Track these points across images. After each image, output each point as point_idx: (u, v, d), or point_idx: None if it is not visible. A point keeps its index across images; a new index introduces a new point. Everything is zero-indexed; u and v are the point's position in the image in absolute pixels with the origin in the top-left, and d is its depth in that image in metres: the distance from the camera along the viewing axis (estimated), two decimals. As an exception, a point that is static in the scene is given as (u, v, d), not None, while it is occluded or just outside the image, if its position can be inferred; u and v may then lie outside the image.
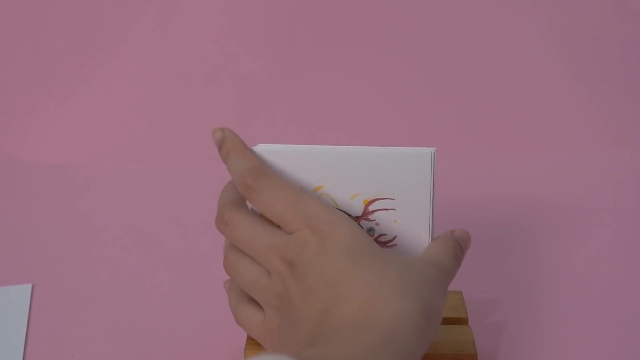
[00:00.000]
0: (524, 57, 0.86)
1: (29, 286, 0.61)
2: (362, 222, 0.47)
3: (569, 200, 0.72)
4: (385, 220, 0.47)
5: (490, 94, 0.85)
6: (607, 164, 0.79)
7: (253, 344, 0.49)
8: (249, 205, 0.47)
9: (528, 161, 0.80)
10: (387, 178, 0.46)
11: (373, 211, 0.47)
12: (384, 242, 0.48)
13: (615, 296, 0.58)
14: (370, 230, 0.47)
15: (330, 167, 0.47)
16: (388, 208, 0.47)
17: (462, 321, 0.51)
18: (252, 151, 0.47)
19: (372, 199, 0.47)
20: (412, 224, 0.47)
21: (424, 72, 0.86)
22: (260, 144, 0.47)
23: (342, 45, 0.87)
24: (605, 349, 0.52)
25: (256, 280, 0.43)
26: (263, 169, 0.44)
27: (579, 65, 0.85)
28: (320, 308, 0.39)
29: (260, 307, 0.45)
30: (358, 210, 0.47)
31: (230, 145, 0.46)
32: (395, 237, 0.48)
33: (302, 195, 0.43)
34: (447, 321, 0.51)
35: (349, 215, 0.47)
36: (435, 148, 0.46)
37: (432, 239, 0.47)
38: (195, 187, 0.79)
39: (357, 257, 0.40)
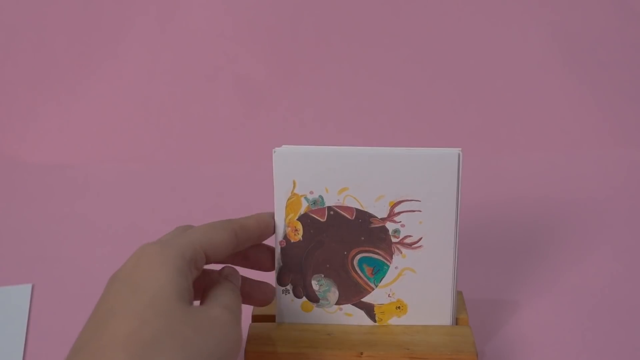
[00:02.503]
0: (524, 58, 0.86)
1: (29, 286, 0.61)
2: (388, 223, 0.47)
3: (569, 200, 0.72)
4: (411, 222, 0.47)
5: (490, 94, 0.85)
6: (608, 163, 0.79)
7: (254, 344, 0.49)
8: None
9: (529, 161, 0.80)
10: (412, 179, 0.46)
11: (399, 213, 0.47)
12: (409, 243, 0.48)
13: (616, 295, 0.58)
14: (396, 232, 0.47)
15: (356, 168, 0.47)
16: (414, 210, 0.47)
17: (462, 321, 0.51)
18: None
19: (398, 200, 0.47)
20: (438, 225, 0.48)
21: (425, 72, 0.86)
22: (285, 145, 0.47)
23: (343, 44, 0.87)
24: (606, 348, 0.52)
25: None
26: None
27: (580, 65, 0.85)
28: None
29: None
30: (384, 211, 0.47)
31: None
32: (420, 239, 0.48)
33: None
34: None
35: (375, 216, 0.47)
36: (461, 149, 0.46)
37: (457, 240, 0.48)
38: (195, 186, 0.79)
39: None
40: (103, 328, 0.36)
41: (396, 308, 0.50)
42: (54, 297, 0.60)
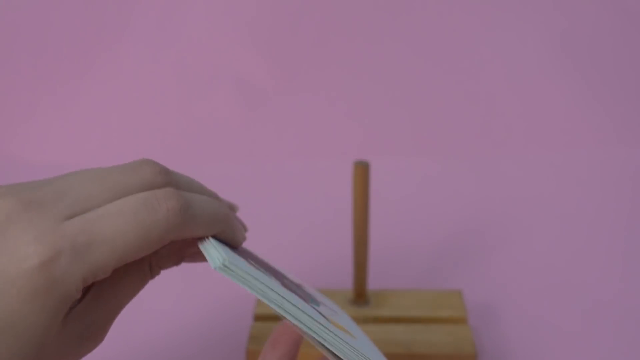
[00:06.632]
0: (522, 58, 0.86)
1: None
2: None
3: (568, 199, 0.73)
4: None
5: (489, 94, 0.86)
6: (605, 163, 0.79)
7: (255, 343, 0.49)
8: None
9: (528, 161, 0.80)
10: None
11: None
12: None
13: (615, 295, 0.58)
14: None
15: None
16: None
17: (462, 321, 0.52)
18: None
19: None
20: None
21: (425, 73, 0.86)
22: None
23: (343, 46, 0.87)
24: (604, 347, 0.53)
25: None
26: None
27: (580, 65, 0.85)
28: None
29: None
30: None
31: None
32: None
33: None
34: (447, 321, 0.52)
35: None
36: None
37: None
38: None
39: None
40: None
41: None
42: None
